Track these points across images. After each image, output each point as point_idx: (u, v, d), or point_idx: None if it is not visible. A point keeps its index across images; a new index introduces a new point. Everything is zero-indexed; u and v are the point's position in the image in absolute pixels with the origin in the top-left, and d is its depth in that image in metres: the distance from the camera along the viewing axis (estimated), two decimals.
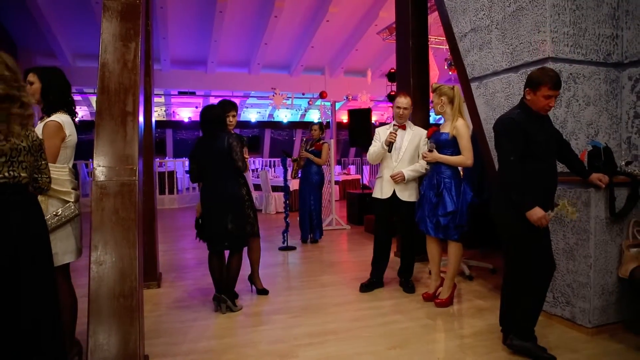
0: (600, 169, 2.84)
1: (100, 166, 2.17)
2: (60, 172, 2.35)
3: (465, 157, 3.39)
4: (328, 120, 16.24)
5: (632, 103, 3.23)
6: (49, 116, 2.41)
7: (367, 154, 4.02)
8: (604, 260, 2.90)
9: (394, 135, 3.74)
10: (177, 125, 19.42)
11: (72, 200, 2.38)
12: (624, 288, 2.93)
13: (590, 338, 2.86)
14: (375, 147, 3.87)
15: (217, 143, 3.34)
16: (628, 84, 3.25)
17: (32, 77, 2.45)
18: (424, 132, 3.84)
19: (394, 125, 3.84)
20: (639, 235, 2.88)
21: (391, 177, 3.75)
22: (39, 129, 2.39)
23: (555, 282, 3.06)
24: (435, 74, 9.79)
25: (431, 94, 3.60)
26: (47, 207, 2.31)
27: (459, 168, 3.55)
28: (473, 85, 3.74)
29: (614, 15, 3.24)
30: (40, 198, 2.30)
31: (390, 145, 3.76)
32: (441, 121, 3.74)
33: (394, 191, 3.79)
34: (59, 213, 2.32)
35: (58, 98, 2.46)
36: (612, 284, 2.94)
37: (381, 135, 3.91)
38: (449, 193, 3.39)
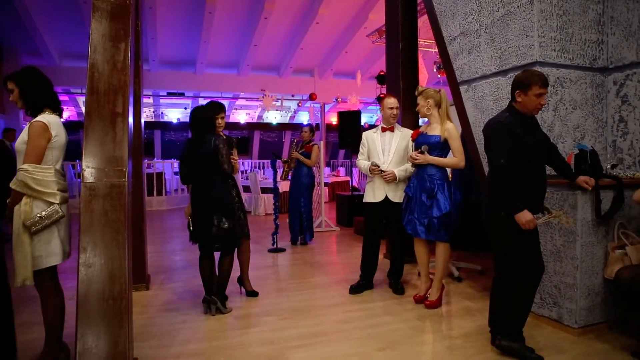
0: (586, 172, 2.88)
1: (89, 167, 2.14)
2: (45, 173, 2.32)
3: (458, 159, 3.41)
4: (317, 122, 16.28)
5: (617, 107, 3.30)
6: (35, 117, 2.39)
7: (357, 162, 4.04)
8: (590, 261, 2.94)
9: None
10: (166, 126, 19.26)
11: (58, 202, 2.35)
12: (610, 289, 2.98)
13: (576, 338, 2.90)
14: (365, 165, 3.87)
15: (205, 145, 3.33)
16: (613, 88, 3.32)
17: (10, 84, 2.42)
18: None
19: (382, 127, 3.87)
20: (624, 237, 2.93)
21: (382, 175, 3.74)
22: (25, 130, 2.37)
23: (543, 283, 3.10)
24: (424, 76, 9.85)
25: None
26: (32, 209, 2.28)
27: (447, 170, 3.57)
28: (462, 88, 3.77)
29: (599, 21, 3.29)
30: (24, 200, 2.28)
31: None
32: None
33: (386, 194, 3.80)
34: (43, 215, 2.29)
35: (39, 96, 2.43)
36: (598, 285, 2.98)
37: (368, 140, 3.92)
38: (442, 194, 3.42)
